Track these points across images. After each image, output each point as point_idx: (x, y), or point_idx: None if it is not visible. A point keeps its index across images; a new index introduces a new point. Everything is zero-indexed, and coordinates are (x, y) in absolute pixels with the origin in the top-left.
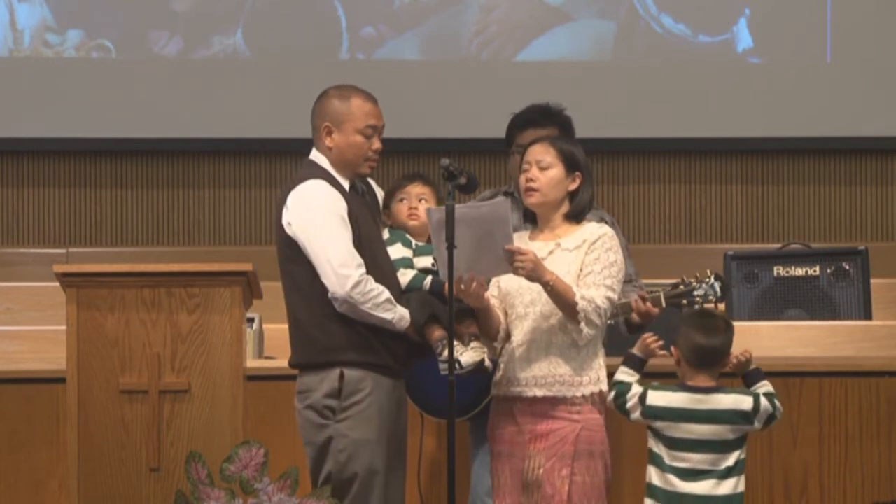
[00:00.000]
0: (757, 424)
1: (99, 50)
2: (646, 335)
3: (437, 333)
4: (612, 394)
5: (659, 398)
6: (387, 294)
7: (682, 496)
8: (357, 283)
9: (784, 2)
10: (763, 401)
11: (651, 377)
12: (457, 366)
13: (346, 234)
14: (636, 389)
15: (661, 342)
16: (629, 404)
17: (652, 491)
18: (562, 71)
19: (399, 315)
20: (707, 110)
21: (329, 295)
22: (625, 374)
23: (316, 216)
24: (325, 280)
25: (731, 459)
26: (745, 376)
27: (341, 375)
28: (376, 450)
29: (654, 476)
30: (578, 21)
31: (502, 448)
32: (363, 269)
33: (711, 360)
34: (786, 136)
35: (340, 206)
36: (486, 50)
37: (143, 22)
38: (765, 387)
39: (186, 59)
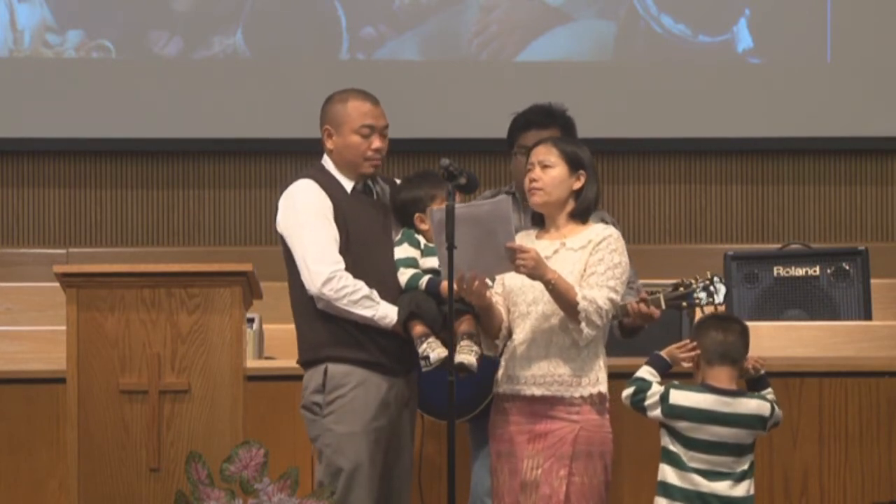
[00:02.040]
0: (768, 429)
1: (99, 50)
2: (683, 343)
3: (417, 330)
4: (631, 390)
5: (682, 398)
6: (365, 291)
7: (705, 495)
8: (328, 280)
9: (784, 2)
10: (775, 407)
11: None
12: (424, 362)
13: (325, 233)
14: (657, 388)
15: (693, 354)
16: (648, 402)
17: (667, 490)
18: (562, 71)
19: (382, 313)
20: (707, 110)
21: (307, 292)
22: (647, 374)
23: (296, 214)
24: (301, 277)
25: (746, 463)
26: (754, 381)
27: (325, 371)
28: (361, 444)
29: (670, 475)
30: (578, 21)
31: (501, 447)
32: (338, 267)
33: (733, 355)
34: (786, 136)
35: (325, 205)
36: (486, 50)
37: (143, 22)
38: (771, 393)
39: (186, 59)
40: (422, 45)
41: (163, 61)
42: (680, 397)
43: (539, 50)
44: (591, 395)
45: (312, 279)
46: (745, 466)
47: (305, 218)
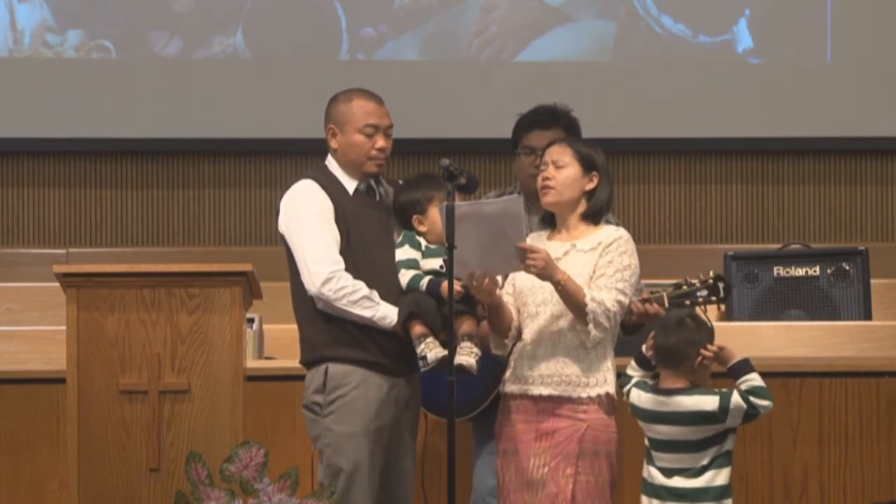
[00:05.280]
0: (731, 422)
1: (99, 50)
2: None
3: (417, 329)
4: (618, 384)
5: (636, 397)
6: (364, 292)
7: (657, 488)
8: (327, 280)
9: (784, 2)
10: (734, 398)
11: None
12: (422, 362)
13: (326, 233)
14: (631, 384)
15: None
16: (624, 397)
17: (643, 481)
18: (562, 71)
19: (382, 314)
20: (707, 110)
21: (307, 292)
22: (631, 369)
23: (297, 215)
24: (301, 277)
25: (707, 458)
26: (729, 370)
27: (325, 371)
28: (361, 444)
29: (644, 468)
30: (578, 21)
31: (507, 446)
32: (337, 267)
33: (667, 360)
34: (786, 136)
35: (325, 205)
36: (486, 50)
37: (143, 22)
38: (748, 382)
39: (186, 59)
40: (422, 46)
41: (163, 61)
42: (634, 396)
43: (539, 50)
44: (598, 396)
45: (312, 279)
46: (706, 461)
47: (306, 219)
